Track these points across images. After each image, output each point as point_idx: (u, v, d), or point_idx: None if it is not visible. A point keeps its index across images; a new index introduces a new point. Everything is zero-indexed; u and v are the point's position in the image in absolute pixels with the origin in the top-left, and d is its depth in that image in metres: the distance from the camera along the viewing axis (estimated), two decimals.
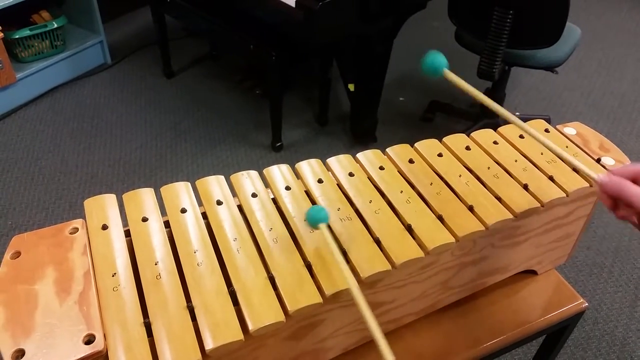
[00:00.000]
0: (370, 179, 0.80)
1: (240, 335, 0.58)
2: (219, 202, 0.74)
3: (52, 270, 0.63)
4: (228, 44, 2.21)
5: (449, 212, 0.75)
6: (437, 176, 0.81)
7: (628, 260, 1.81)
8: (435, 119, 2.42)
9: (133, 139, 2.25)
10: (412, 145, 0.87)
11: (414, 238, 0.71)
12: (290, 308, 0.61)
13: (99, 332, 0.57)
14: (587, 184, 0.82)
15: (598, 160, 0.86)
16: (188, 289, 0.63)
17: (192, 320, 0.60)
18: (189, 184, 0.77)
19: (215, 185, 0.77)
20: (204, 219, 0.72)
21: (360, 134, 2.26)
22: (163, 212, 0.72)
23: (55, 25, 2.39)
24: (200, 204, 0.74)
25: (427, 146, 0.87)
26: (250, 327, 0.59)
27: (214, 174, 0.78)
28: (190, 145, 2.23)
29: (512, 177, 0.82)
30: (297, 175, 0.80)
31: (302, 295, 0.63)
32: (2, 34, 2.16)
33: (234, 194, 0.76)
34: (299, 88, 2.57)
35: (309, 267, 0.66)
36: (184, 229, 0.70)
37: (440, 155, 0.85)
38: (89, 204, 0.72)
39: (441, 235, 0.71)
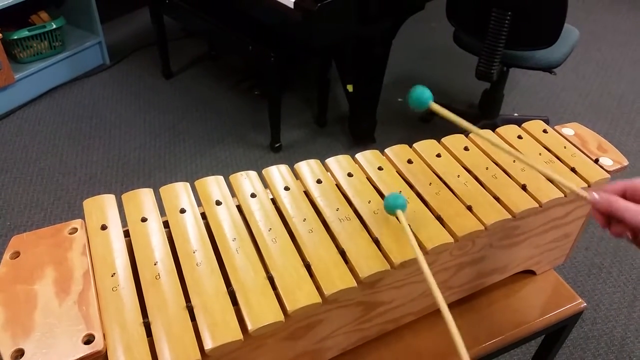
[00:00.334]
0: (369, 179, 0.81)
1: (239, 335, 0.59)
2: (218, 203, 0.74)
3: (51, 271, 0.63)
4: (227, 44, 2.21)
5: (448, 212, 0.75)
6: (435, 176, 0.81)
7: (626, 261, 1.81)
8: (434, 119, 2.42)
9: (132, 140, 2.25)
10: (410, 146, 0.87)
11: None
12: (290, 308, 0.61)
13: (99, 332, 0.57)
14: (586, 184, 0.82)
15: (596, 161, 0.86)
16: (187, 289, 0.63)
17: (192, 320, 0.60)
18: (188, 184, 0.77)
19: (214, 185, 0.77)
20: (203, 219, 0.72)
21: (359, 134, 2.26)
22: (162, 212, 0.73)
23: (54, 26, 2.39)
24: (199, 204, 0.74)
25: (426, 147, 0.87)
26: (250, 327, 0.59)
27: (213, 174, 0.78)
28: (189, 146, 2.23)
29: (510, 177, 0.82)
30: (296, 175, 0.80)
31: (301, 295, 0.63)
32: (0, 35, 2.16)
33: (233, 194, 0.76)
34: (298, 89, 2.57)
35: (307, 267, 0.66)
36: (183, 229, 0.70)
37: (438, 155, 0.85)
38: (88, 204, 0.72)
39: (440, 235, 0.72)
